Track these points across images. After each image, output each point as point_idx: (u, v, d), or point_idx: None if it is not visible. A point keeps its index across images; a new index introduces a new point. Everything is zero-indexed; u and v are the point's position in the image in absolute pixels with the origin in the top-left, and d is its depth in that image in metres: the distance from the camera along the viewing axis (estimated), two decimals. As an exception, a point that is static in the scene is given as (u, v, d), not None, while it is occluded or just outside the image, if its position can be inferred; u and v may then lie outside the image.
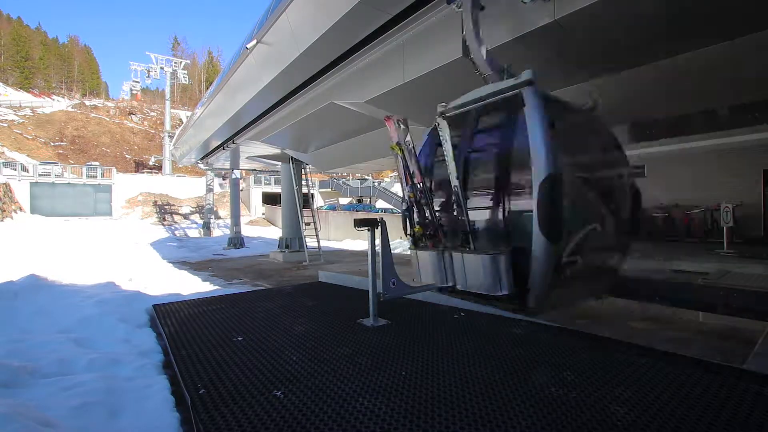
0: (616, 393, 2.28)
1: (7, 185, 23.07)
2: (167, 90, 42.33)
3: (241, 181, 24.80)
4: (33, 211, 26.57)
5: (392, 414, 2.10)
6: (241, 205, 24.78)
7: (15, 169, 28.19)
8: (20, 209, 24.32)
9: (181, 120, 44.72)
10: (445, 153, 3.93)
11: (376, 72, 5.87)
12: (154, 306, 5.07)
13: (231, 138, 12.09)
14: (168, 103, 41.04)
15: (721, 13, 3.70)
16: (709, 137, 10.12)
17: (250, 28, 7.17)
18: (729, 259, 7.47)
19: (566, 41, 4.17)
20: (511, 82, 3.59)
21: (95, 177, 31.04)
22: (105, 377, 2.86)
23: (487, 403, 2.19)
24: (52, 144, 44.75)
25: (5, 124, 43.27)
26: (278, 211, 25.78)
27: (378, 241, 3.95)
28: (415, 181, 4.22)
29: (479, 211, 3.87)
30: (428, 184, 4.34)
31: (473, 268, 3.73)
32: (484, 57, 3.91)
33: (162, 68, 43.12)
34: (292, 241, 13.05)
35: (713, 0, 3.54)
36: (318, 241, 13.16)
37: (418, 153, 4.38)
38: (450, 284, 4.07)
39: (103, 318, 4.51)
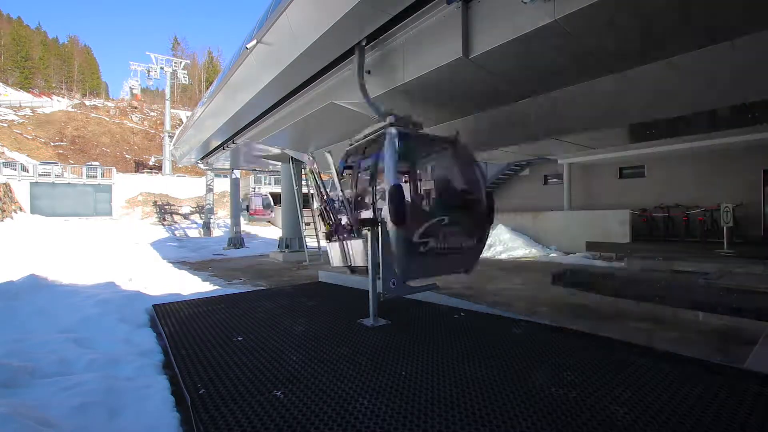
0: (616, 393, 2.28)
1: (7, 185, 23.04)
2: (167, 90, 42.32)
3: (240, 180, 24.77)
4: (33, 211, 26.56)
5: (392, 414, 2.10)
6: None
7: (15, 169, 28.18)
8: (20, 209, 24.29)
9: (181, 120, 44.76)
10: (334, 174, 5.13)
11: (375, 72, 5.87)
12: (154, 306, 5.07)
13: (231, 138, 12.09)
14: (168, 103, 41.04)
15: (722, 12, 3.70)
16: (709, 137, 10.13)
17: (250, 28, 7.17)
18: (729, 259, 7.47)
19: (566, 41, 4.17)
20: (380, 125, 4.65)
21: (95, 177, 31.03)
22: (105, 377, 2.86)
23: (487, 403, 2.19)
24: (52, 144, 44.75)
25: (5, 124, 43.27)
26: (278, 211, 25.76)
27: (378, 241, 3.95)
28: (323, 195, 5.35)
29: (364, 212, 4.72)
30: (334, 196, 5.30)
31: (357, 250, 4.60)
32: (372, 109, 5.24)
33: (162, 68, 43.11)
34: (292, 241, 13.05)
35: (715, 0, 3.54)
36: (318, 241, 13.16)
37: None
38: (349, 264, 4.85)
39: (103, 318, 4.51)
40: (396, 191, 3.93)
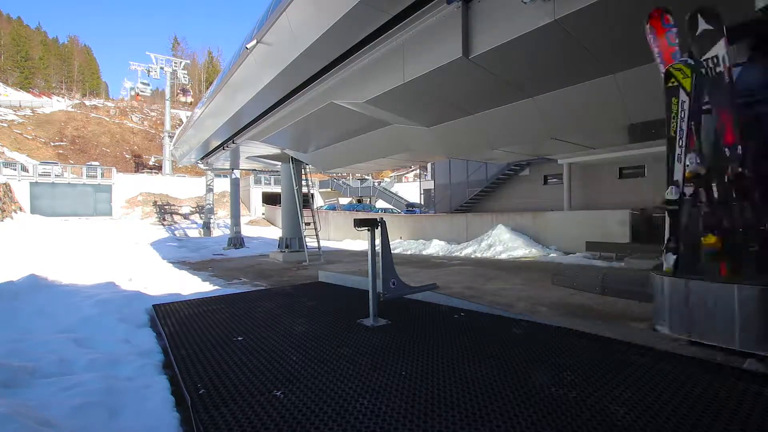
0: (616, 393, 2.28)
1: (7, 185, 23.05)
2: (167, 90, 42.34)
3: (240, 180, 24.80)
4: (33, 211, 26.56)
5: (392, 414, 2.10)
6: (241, 205, 24.79)
7: (15, 169, 28.19)
8: (20, 209, 24.30)
9: (181, 120, 44.79)
10: None
11: (376, 72, 5.87)
12: (154, 306, 5.07)
13: (231, 138, 12.09)
14: (168, 103, 41.05)
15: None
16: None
17: (250, 28, 7.18)
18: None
19: (566, 41, 4.18)
20: None
21: (95, 177, 31.04)
22: (105, 377, 2.86)
23: (487, 403, 2.19)
24: (52, 144, 44.75)
25: (5, 124, 43.26)
26: (278, 211, 25.78)
27: (378, 241, 3.96)
28: (724, 141, 2.32)
29: None
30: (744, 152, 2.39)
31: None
32: None
33: (162, 68, 43.14)
34: (292, 241, 13.05)
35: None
36: (318, 241, 13.16)
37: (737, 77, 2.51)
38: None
39: (103, 318, 4.51)
40: None
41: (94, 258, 10.52)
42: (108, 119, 52.84)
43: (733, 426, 1.91)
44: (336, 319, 4.15)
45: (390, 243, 4.00)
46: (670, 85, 2.57)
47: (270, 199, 35.14)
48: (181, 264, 11.93)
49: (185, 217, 32.60)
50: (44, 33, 71.20)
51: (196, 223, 30.68)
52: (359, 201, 35.80)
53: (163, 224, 29.95)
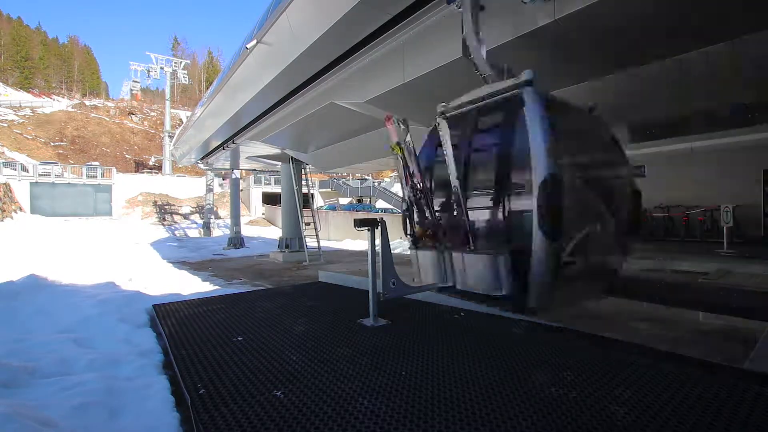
0: (616, 393, 2.28)
1: (7, 185, 23.06)
2: (167, 90, 42.35)
3: (241, 181, 24.84)
4: (33, 211, 26.57)
5: (392, 414, 2.10)
6: (241, 205, 24.79)
7: (15, 169, 28.20)
8: (20, 209, 24.31)
9: (181, 120, 44.81)
10: (444, 153, 3.93)
11: (376, 72, 5.87)
12: (154, 306, 5.07)
13: (231, 138, 12.09)
14: (168, 103, 41.06)
15: (721, 15, 3.70)
16: (709, 137, 10.12)
17: (250, 28, 7.17)
18: (729, 259, 7.47)
19: (566, 41, 4.18)
20: (510, 82, 3.58)
21: (95, 177, 31.05)
22: (105, 377, 2.86)
23: (487, 403, 2.19)
24: (52, 144, 44.74)
25: (5, 124, 43.26)
26: (278, 211, 25.77)
27: (378, 241, 3.95)
28: (415, 181, 4.16)
29: (480, 211, 3.88)
30: (428, 185, 4.34)
31: (473, 268, 3.83)
32: (485, 57, 3.95)
33: (162, 68, 43.16)
34: (292, 241, 13.05)
35: (714, 1, 3.54)
36: (318, 241, 13.16)
37: (418, 153, 4.33)
38: (450, 284, 4.16)
39: (103, 318, 4.51)
40: (551, 186, 2.93)
41: (94, 258, 10.52)
42: (108, 119, 52.84)
43: (733, 426, 1.91)
44: (336, 319, 4.15)
45: (390, 243, 3.99)
46: (396, 152, 4.22)
47: (270, 199, 35.14)
48: (181, 264, 11.93)
49: (185, 217, 32.60)
50: (44, 33, 71.24)
51: (196, 223, 30.69)
52: (359, 201, 35.78)
53: (163, 224, 29.96)
